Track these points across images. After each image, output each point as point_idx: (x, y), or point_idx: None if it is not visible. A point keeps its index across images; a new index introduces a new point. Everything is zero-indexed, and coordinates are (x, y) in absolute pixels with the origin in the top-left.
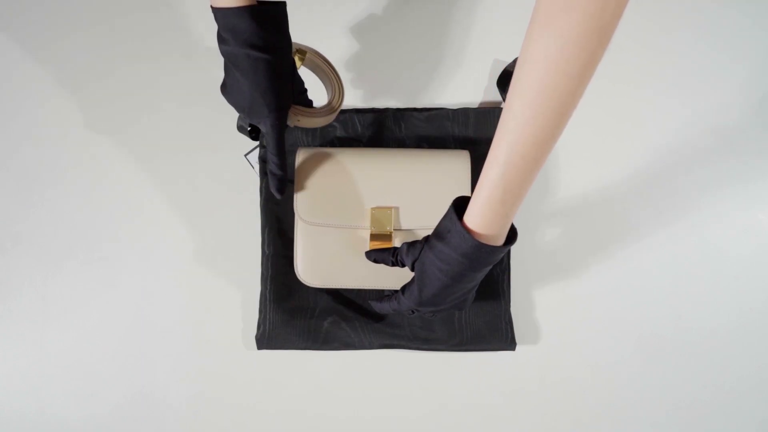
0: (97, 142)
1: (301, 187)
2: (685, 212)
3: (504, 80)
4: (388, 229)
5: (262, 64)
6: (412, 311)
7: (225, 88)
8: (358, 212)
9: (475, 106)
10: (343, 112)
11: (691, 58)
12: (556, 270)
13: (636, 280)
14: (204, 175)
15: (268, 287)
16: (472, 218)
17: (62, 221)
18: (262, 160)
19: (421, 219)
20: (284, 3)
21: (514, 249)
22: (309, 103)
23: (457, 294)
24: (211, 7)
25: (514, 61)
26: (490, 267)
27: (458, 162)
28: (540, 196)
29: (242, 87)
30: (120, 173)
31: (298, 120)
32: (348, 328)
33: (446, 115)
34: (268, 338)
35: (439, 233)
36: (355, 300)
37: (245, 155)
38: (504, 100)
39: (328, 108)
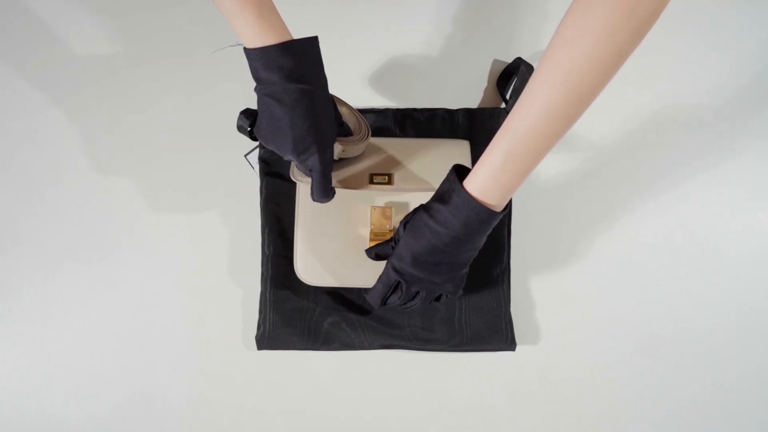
0: (97, 143)
1: (304, 196)
2: (685, 212)
3: (504, 80)
4: (388, 228)
5: (308, 97)
6: (396, 283)
7: (260, 131)
8: (359, 210)
9: (475, 106)
10: None
11: (691, 58)
12: (556, 270)
13: (636, 280)
14: (204, 175)
15: (268, 287)
16: (473, 183)
17: (62, 221)
18: (262, 160)
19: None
20: (317, 38)
21: (515, 249)
22: (348, 133)
23: (444, 265)
24: (246, 50)
25: (514, 61)
26: (480, 238)
27: (458, 151)
28: (540, 196)
29: (286, 125)
30: (120, 173)
31: (343, 150)
32: (348, 328)
33: (446, 116)
34: (268, 338)
35: (437, 195)
36: (355, 300)
37: (245, 155)
38: (504, 100)
39: (361, 134)
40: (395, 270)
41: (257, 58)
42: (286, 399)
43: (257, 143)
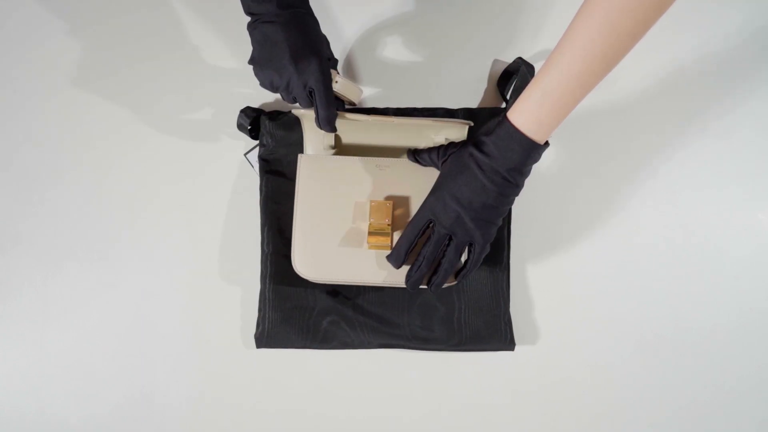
0: (97, 142)
1: (303, 188)
2: (685, 212)
3: (504, 80)
4: (387, 222)
5: (300, 17)
6: (427, 224)
7: (255, 60)
8: (358, 205)
9: (475, 106)
10: None
11: (690, 58)
12: (556, 270)
13: (636, 280)
14: (204, 174)
15: (268, 286)
16: (514, 115)
17: (62, 221)
18: (262, 159)
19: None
20: None
21: (514, 249)
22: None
23: (480, 207)
24: None
25: (514, 61)
26: (520, 179)
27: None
28: (540, 195)
29: (282, 41)
30: (120, 173)
31: (337, 82)
32: (347, 327)
33: (446, 116)
34: (267, 337)
35: (484, 130)
36: (354, 299)
37: (245, 154)
38: (504, 99)
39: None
40: (429, 208)
41: None
42: (285, 399)
43: (257, 142)
